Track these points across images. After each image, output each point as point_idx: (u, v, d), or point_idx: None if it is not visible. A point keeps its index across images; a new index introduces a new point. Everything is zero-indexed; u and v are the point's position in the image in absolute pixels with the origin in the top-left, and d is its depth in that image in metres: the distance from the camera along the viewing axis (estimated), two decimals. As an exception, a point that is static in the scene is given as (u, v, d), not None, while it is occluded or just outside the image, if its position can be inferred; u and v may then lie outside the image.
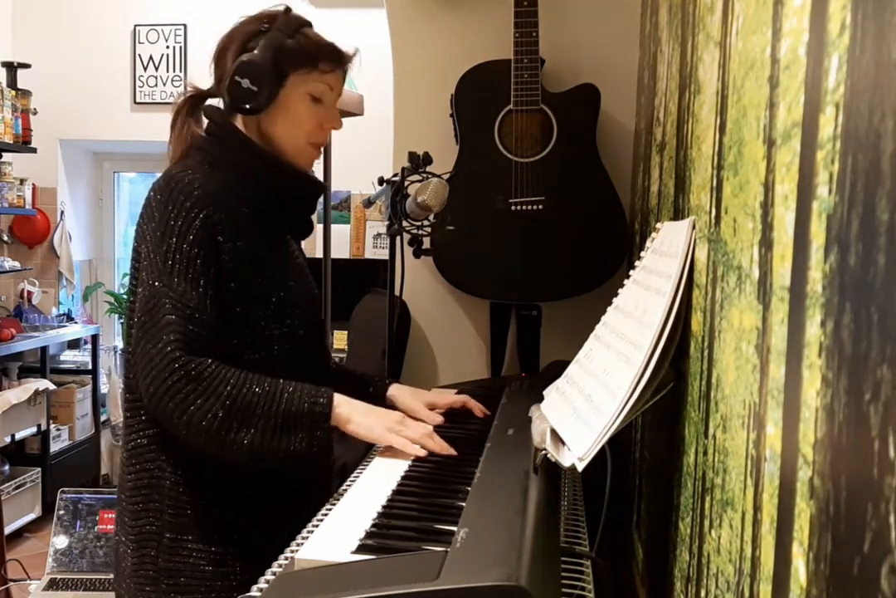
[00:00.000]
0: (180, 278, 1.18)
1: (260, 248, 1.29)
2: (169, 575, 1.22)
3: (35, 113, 4.20)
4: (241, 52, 1.29)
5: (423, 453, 1.20)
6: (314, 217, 1.48)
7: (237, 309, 1.24)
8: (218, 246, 1.22)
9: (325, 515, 1.01)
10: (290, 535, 0.98)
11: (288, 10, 1.34)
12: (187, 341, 1.15)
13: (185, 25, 4.48)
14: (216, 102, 1.37)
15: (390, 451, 1.24)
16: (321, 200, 1.58)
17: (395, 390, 1.48)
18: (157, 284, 1.18)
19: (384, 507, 1.01)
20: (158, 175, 1.28)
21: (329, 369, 1.50)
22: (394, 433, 1.21)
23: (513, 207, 1.95)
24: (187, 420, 1.13)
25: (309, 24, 1.35)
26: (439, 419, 1.37)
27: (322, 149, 1.39)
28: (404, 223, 1.68)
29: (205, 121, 1.36)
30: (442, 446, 1.21)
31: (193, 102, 1.35)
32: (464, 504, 0.95)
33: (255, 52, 1.28)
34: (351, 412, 1.20)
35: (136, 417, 1.28)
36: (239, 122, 1.33)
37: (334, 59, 1.33)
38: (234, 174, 1.29)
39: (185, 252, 1.19)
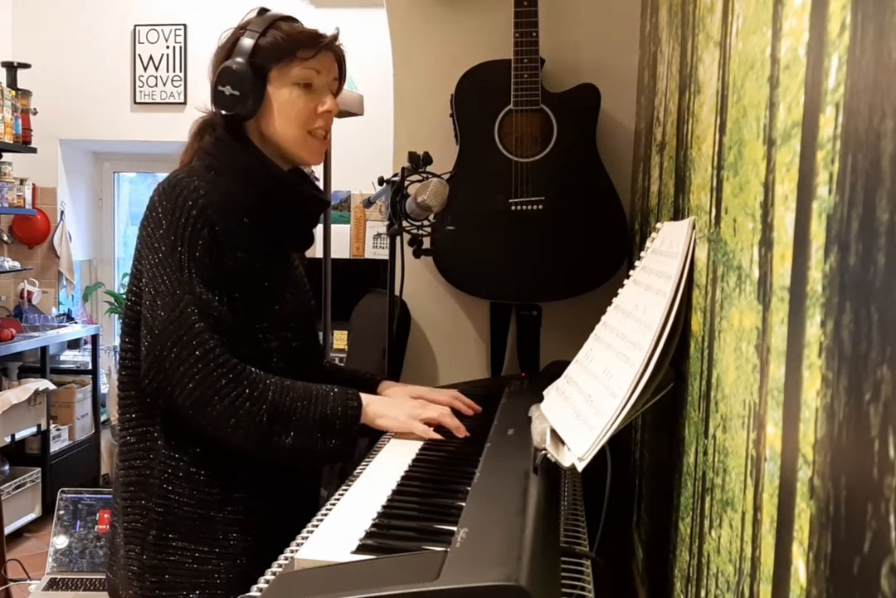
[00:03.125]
0: (201, 286, 1.20)
1: (258, 259, 1.29)
2: (153, 572, 1.23)
3: (35, 113, 4.20)
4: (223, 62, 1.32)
5: (440, 438, 1.28)
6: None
7: (238, 320, 1.25)
8: (222, 255, 1.23)
9: (326, 515, 1.01)
10: (277, 535, 0.98)
11: (262, 11, 1.35)
12: (222, 347, 1.19)
13: (185, 25, 4.48)
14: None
15: (402, 434, 1.32)
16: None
17: (386, 388, 1.50)
18: (178, 292, 1.19)
19: (384, 507, 1.01)
20: (158, 175, 1.28)
21: (321, 370, 1.50)
22: (416, 420, 1.30)
23: (513, 207, 1.95)
24: (236, 423, 1.17)
25: (285, 18, 1.34)
26: (453, 392, 1.46)
27: (328, 137, 1.38)
28: (404, 223, 1.68)
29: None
30: (458, 426, 1.30)
31: (204, 126, 1.37)
32: (464, 504, 0.95)
33: (233, 58, 1.30)
34: (377, 409, 1.28)
35: (126, 414, 1.30)
36: (243, 128, 1.34)
37: (311, 44, 1.31)
38: (239, 184, 1.29)
39: (198, 260, 1.21)
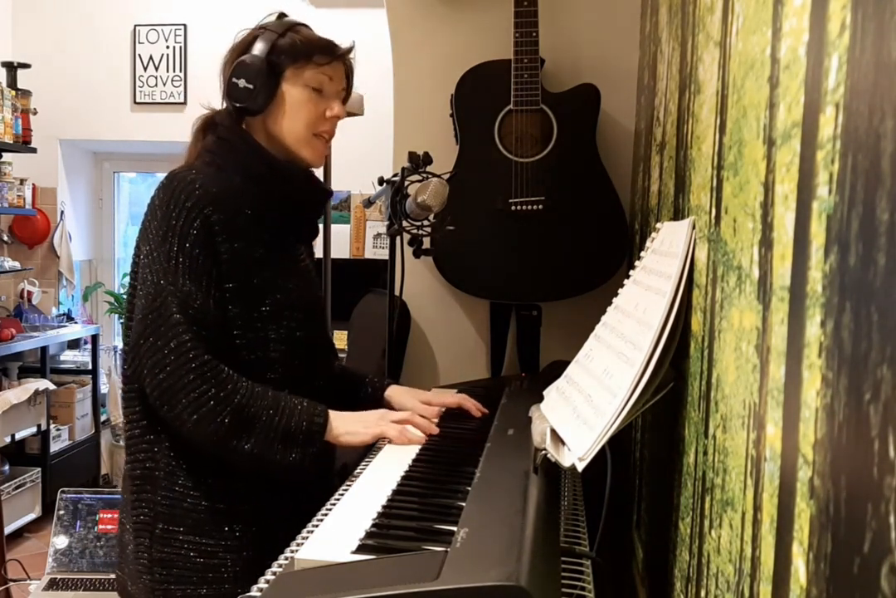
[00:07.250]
0: (185, 278, 1.21)
1: (258, 249, 1.30)
2: (162, 565, 1.24)
3: (35, 113, 4.20)
4: (238, 58, 1.34)
5: (423, 436, 1.29)
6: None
7: (234, 310, 1.26)
8: (216, 246, 1.25)
9: (326, 515, 1.01)
10: (285, 529, 0.98)
11: (281, 15, 1.39)
12: (197, 341, 1.19)
13: (185, 25, 4.48)
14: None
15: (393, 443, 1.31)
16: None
17: (393, 391, 1.52)
18: (161, 282, 1.21)
19: (384, 507, 1.01)
20: (158, 175, 1.30)
21: (333, 369, 1.51)
22: (383, 425, 1.29)
23: (513, 207, 1.95)
24: (197, 419, 1.18)
25: (302, 25, 1.39)
26: (433, 410, 1.44)
27: (330, 142, 1.40)
28: (404, 223, 1.68)
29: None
30: (428, 426, 1.31)
31: (207, 123, 1.38)
32: (464, 504, 0.95)
33: (250, 53, 1.32)
34: (341, 426, 1.26)
35: (130, 407, 1.31)
36: (248, 126, 1.36)
37: (328, 52, 1.35)
38: (241, 177, 1.31)
39: (188, 252, 1.22)
